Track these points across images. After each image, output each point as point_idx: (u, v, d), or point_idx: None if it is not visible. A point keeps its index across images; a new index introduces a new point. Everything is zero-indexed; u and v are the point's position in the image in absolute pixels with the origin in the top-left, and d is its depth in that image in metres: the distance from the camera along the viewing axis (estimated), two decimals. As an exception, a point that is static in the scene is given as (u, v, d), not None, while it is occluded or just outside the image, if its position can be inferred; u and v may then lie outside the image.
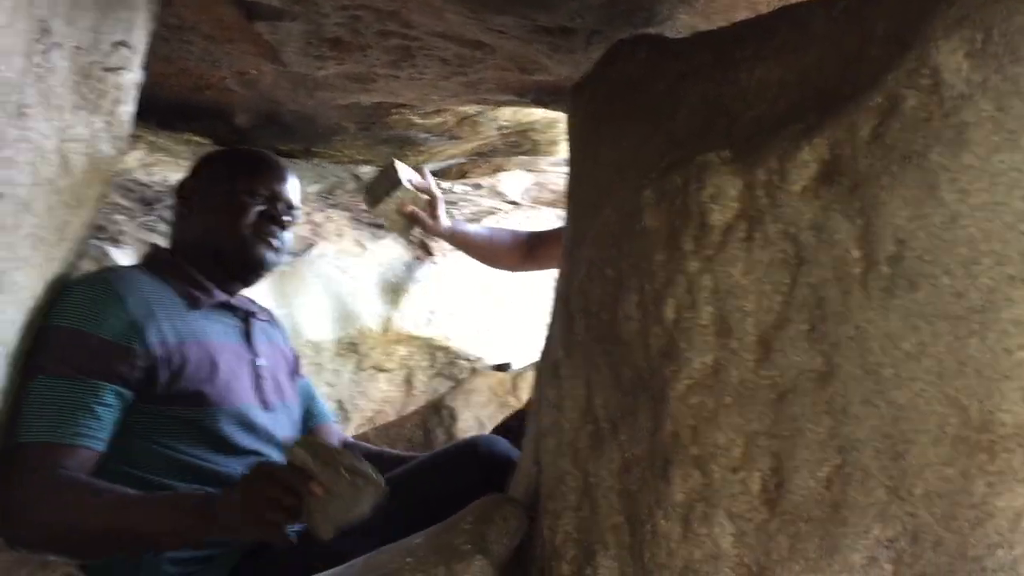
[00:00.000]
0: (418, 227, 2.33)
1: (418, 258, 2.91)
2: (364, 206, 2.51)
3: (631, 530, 1.12)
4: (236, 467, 1.57)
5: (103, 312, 1.50)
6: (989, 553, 0.84)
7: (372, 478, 1.26)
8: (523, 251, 2.43)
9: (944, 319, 0.88)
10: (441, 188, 2.44)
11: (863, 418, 0.92)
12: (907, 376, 0.89)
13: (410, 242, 2.43)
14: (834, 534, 0.92)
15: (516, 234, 2.55)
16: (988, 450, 0.84)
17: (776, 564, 0.95)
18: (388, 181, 2.25)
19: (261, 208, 1.77)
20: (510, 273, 2.68)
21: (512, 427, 1.91)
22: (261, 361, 1.72)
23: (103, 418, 1.45)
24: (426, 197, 2.27)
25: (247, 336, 1.74)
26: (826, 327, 0.95)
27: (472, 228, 2.57)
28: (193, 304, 1.65)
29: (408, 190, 2.23)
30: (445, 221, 2.34)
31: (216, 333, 1.66)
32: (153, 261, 1.74)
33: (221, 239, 1.74)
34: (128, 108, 1.65)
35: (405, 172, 2.25)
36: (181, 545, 1.44)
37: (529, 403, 1.96)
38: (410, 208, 2.25)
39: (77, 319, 1.48)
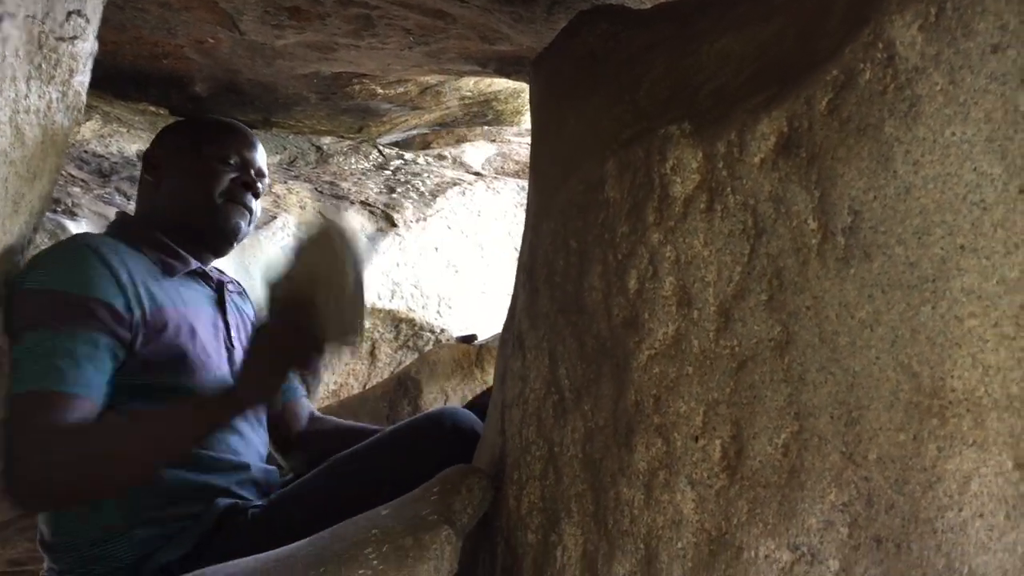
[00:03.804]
0: None
1: (381, 230, 2.90)
2: (327, 178, 2.50)
3: (595, 498, 1.14)
4: (217, 434, 1.57)
5: (87, 273, 1.45)
6: (940, 515, 0.87)
7: (332, 225, 1.26)
8: None
9: (897, 288, 0.90)
10: (404, 159, 2.43)
11: (819, 385, 0.94)
12: (862, 344, 0.91)
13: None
14: (791, 498, 0.94)
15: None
16: (939, 415, 0.87)
17: (736, 529, 0.98)
18: None
19: (233, 175, 1.75)
20: (475, 244, 2.65)
21: (483, 404, 1.91)
22: (233, 331, 1.71)
23: (104, 372, 1.41)
24: None
25: (220, 306, 1.73)
26: (784, 297, 0.97)
27: None
28: (168, 271, 1.63)
29: None
30: None
31: (192, 300, 1.64)
32: (122, 229, 1.70)
33: (193, 208, 1.71)
34: (83, 78, 1.62)
35: None
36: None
37: None
38: None
39: (65, 282, 1.44)
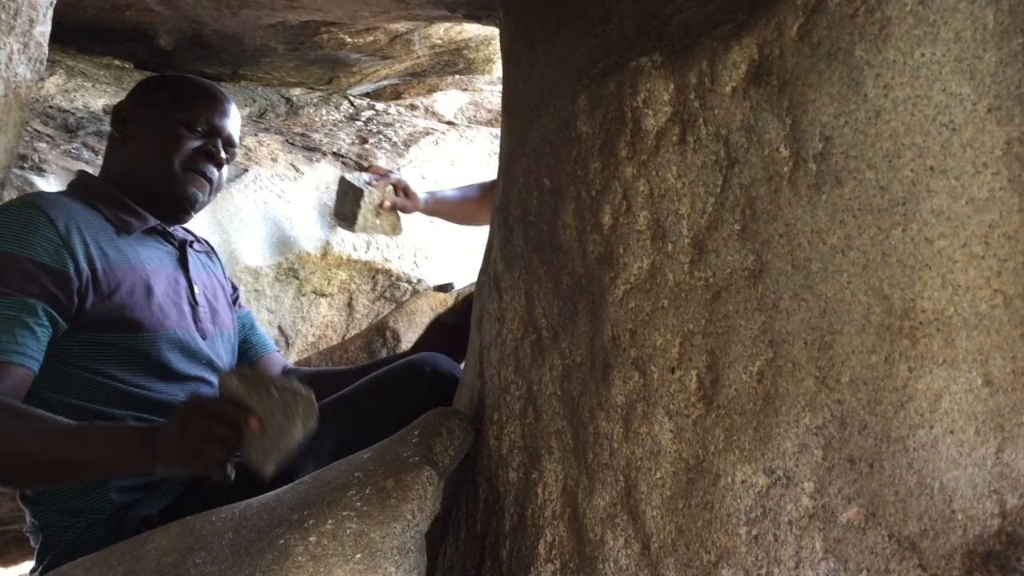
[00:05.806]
0: (400, 215, 2.45)
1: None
2: (297, 130, 2.49)
3: (574, 434, 1.15)
4: (178, 393, 1.56)
5: (33, 235, 1.45)
6: (911, 433, 0.88)
7: (302, 394, 1.26)
8: (489, 200, 2.45)
9: (869, 212, 0.90)
10: (375, 110, 2.41)
11: (793, 312, 0.95)
12: (834, 269, 0.92)
13: (397, 234, 2.53)
14: (767, 424, 0.95)
15: (482, 185, 2.60)
16: (910, 336, 0.88)
17: (713, 456, 0.99)
18: (349, 195, 2.32)
19: (197, 144, 1.71)
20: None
21: (448, 322, 1.94)
22: (197, 288, 1.70)
23: (40, 338, 1.41)
24: (388, 188, 2.39)
25: (183, 263, 1.71)
26: (757, 226, 0.97)
27: (446, 193, 2.60)
28: (123, 229, 1.60)
29: (371, 189, 2.33)
30: (421, 195, 2.46)
31: (150, 259, 1.62)
32: (80, 187, 1.68)
33: (151, 172, 1.68)
34: (43, 28, 1.58)
35: (358, 178, 2.36)
36: (117, 476, 1.44)
37: (464, 299, 2.00)
38: (387, 203, 2.36)
39: (7, 242, 1.43)
